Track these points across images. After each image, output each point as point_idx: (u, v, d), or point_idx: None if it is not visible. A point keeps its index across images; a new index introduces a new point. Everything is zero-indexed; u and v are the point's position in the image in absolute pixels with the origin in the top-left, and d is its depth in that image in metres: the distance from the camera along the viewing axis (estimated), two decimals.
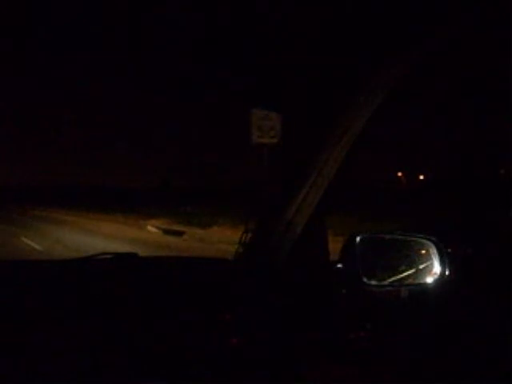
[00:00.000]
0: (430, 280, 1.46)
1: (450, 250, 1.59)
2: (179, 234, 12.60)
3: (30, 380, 1.09)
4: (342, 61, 1.37)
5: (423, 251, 1.49)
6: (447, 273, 1.44)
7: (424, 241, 1.50)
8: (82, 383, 1.12)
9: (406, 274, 1.49)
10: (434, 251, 1.47)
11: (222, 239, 10.45)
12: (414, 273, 1.50)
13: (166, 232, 13.38)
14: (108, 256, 1.55)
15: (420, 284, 1.48)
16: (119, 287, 1.39)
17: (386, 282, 1.46)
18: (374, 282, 1.41)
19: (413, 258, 1.50)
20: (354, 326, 1.44)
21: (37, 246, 9.14)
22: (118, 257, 1.56)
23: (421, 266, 1.49)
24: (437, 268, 1.45)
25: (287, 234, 1.42)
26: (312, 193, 1.40)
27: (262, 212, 1.54)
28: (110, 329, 1.23)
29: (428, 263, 1.48)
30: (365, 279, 1.39)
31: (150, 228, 14.86)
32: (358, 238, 1.41)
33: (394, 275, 1.48)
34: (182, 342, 1.24)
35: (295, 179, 1.42)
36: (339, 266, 1.44)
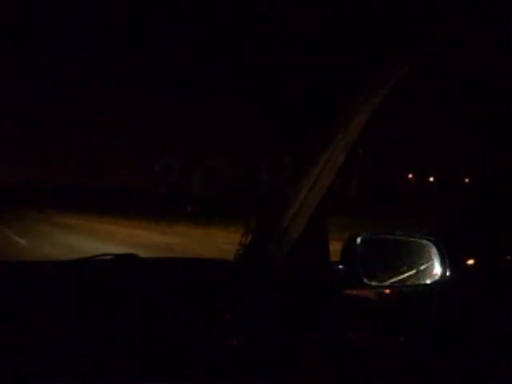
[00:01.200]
0: (430, 281, 1.46)
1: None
2: None
3: (30, 380, 1.09)
4: (342, 61, 1.37)
5: (424, 252, 1.49)
6: (448, 273, 1.44)
7: (424, 241, 1.50)
8: (82, 383, 1.12)
9: (406, 274, 1.49)
10: (434, 252, 1.47)
11: None
12: (414, 273, 1.50)
13: None
14: (108, 257, 1.56)
15: (421, 285, 1.48)
16: (119, 287, 1.39)
17: (386, 283, 1.46)
18: (374, 283, 1.41)
19: (413, 259, 1.50)
20: (354, 326, 1.44)
21: None
22: (118, 257, 1.56)
23: (421, 267, 1.49)
24: (437, 269, 1.45)
25: (288, 235, 1.42)
26: (312, 193, 1.40)
27: (263, 212, 1.54)
28: (110, 329, 1.23)
29: (429, 264, 1.48)
30: (365, 280, 1.39)
31: None
32: (358, 239, 1.41)
33: (394, 276, 1.48)
34: (182, 342, 1.24)
35: (296, 179, 1.42)
36: (340, 266, 1.44)
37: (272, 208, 1.49)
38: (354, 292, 1.49)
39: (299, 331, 1.35)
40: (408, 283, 1.49)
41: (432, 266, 1.47)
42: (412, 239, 1.53)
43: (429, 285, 1.46)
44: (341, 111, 1.36)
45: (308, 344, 1.35)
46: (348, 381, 1.33)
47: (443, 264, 1.45)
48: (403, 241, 1.54)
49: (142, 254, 1.61)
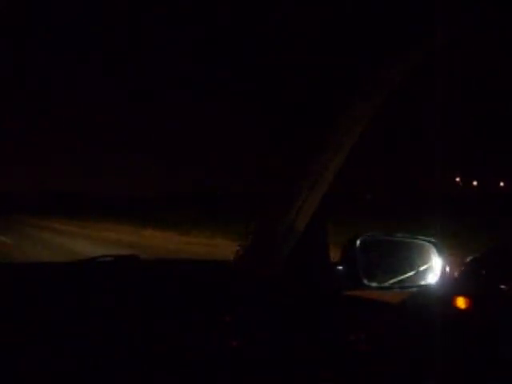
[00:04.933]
0: (430, 282, 1.46)
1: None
2: None
3: (30, 380, 1.09)
4: (342, 61, 1.36)
5: (423, 253, 1.50)
6: (448, 274, 1.44)
7: (424, 242, 1.50)
8: (82, 383, 1.12)
9: (406, 275, 1.49)
10: (434, 252, 1.47)
11: None
12: (414, 274, 1.50)
13: None
14: (109, 258, 1.56)
15: (421, 286, 1.48)
16: (120, 288, 1.39)
17: (386, 284, 1.46)
18: (374, 284, 1.41)
19: (413, 260, 1.50)
20: (354, 327, 1.44)
21: None
22: (119, 259, 1.56)
23: (421, 268, 1.50)
24: (437, 269, 1.46)
25: (288, 236, 1.42)
26: (312, 193, 1.40)
27: (263, 213, 1.54)
28: (111, 329, 1.23)
29: (428, 265, 1.48)
30: (365, 281, 1.39)
31: None
32: (358, 240, 1.41)
33: (394, 277, 1.48)
34: (182, 342, 1.24)
35: (295, 179, 1.42)
36: (339, 267, 1.44)
37: (272, 209, 1.49)
38: (354, 293, 1.49)
39: (299, 331, 1.35)
40: (408, 284, 1.49)
41: (432, 267, 1.47)
42: (411, 240, 1.53)
43: (429, 286, 1.46)
44: (341, 111, 1.36)
45: (308, 345, 1.34)
46: (348, 381, 1.33)
47: (443, 265, 1.45)
48: (403, 242, 1.54)
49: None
